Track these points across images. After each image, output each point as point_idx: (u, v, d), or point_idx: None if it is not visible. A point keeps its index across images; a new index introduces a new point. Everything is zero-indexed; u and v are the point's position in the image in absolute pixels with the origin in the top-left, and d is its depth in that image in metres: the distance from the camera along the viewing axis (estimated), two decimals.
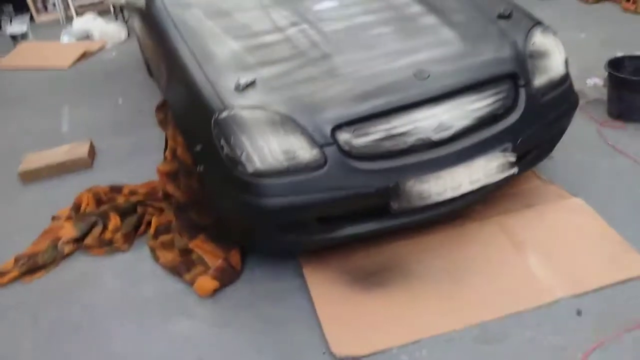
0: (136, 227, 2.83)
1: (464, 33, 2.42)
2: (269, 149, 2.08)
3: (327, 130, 2.10)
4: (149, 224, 2.83)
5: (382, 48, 2.36)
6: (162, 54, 2.80)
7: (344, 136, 2.12)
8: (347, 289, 2.31)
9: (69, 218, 2.97)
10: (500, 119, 2.29)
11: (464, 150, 2.20)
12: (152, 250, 2.66)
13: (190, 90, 2.33)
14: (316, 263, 2.43)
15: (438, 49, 2.34)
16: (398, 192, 2.13)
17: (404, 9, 2.63)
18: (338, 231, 2.23)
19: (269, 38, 2.50)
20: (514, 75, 2.32)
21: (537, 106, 2.34)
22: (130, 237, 2.80)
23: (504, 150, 2.24)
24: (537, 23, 2.51)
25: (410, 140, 2.17)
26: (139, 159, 3.52)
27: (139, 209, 2.91)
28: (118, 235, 2.78)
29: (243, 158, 2.08)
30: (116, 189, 3.14)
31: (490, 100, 2.27)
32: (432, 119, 2.18)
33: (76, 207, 3.03)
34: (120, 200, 3.00)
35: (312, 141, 2.08)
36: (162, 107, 2.80)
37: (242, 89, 2.19)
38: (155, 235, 2.72)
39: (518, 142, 2.28)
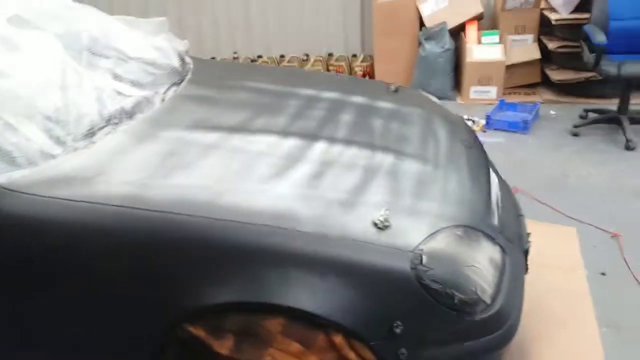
0: None
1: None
2: (484, 268, 1.67)
3: (492, 219, 1.86)
4: None
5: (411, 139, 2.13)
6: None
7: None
8: None
9: None
10: None
11: None
12: None
13: (318, 266, 1.55)
14: None
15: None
16: None
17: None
18: None
19: (311, 167, 1.80)
20: None
21: None
22: None
23: None
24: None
25: None
26: None
27: None
28: None
29: (480, 293, 1.61)
30: None
31: None
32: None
33: None
34: None
35: (490, 237, 1.84)
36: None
37: (388, 223, 1.63)
38: None
39: None
